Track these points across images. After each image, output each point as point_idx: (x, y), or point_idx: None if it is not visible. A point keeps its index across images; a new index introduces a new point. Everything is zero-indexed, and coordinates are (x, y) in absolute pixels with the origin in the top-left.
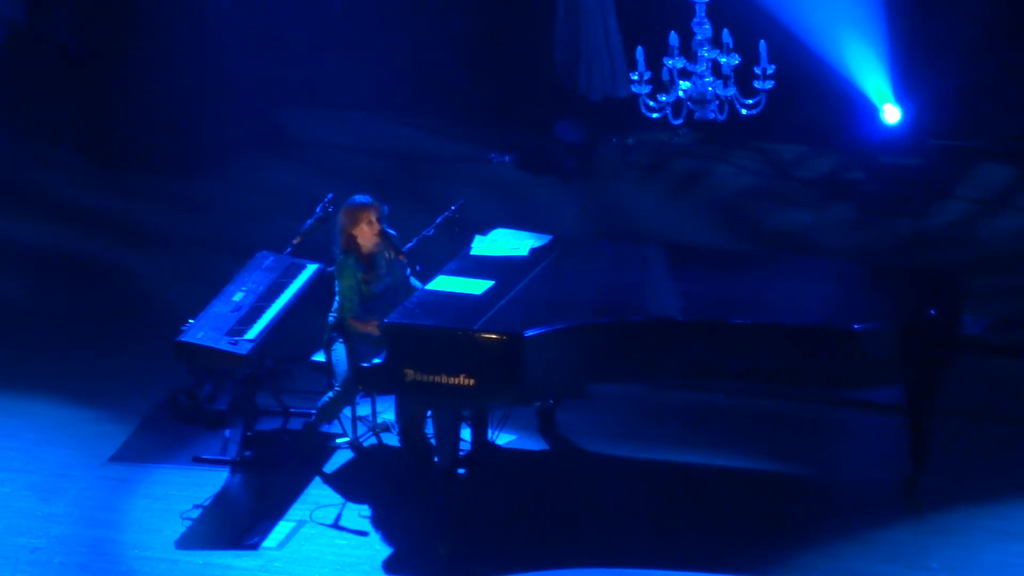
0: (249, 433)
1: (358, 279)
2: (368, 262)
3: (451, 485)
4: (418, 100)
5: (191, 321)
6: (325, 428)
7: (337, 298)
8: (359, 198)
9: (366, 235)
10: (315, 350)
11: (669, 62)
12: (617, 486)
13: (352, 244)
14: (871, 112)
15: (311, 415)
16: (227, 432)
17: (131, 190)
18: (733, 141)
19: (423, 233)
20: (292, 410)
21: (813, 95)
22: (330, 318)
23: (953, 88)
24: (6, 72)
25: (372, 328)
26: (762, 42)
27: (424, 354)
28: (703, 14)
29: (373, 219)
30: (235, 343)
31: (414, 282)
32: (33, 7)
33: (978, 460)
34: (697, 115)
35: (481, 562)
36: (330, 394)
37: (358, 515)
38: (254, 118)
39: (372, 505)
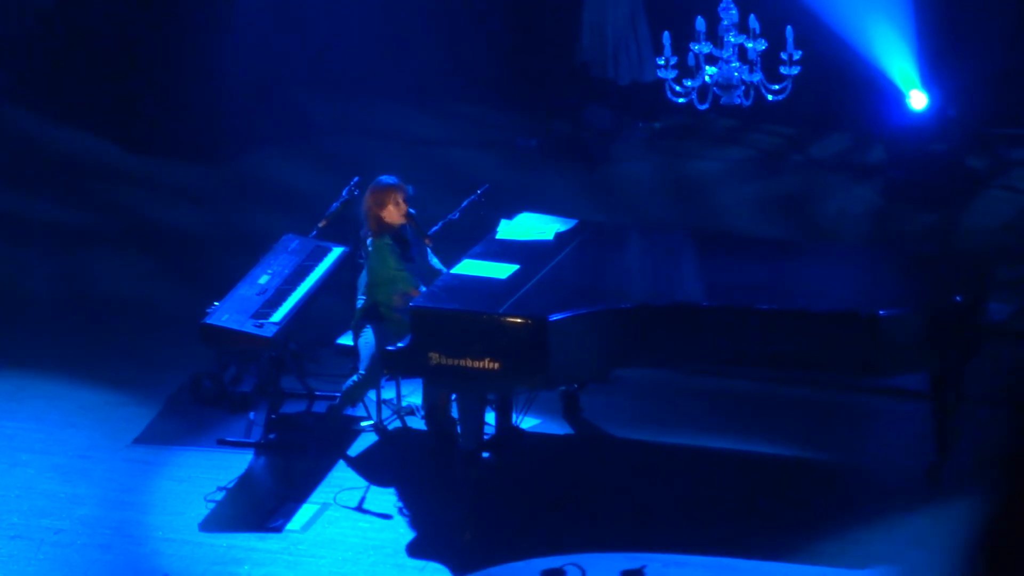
0: (273, 416)
1: (398, 254)
2: (403, 242)
3: (475, 469)
4: (443, 86)
5: (216, 304)
6: (350, 411)
7: (363, 280)
8: (385, 179)
9: (393, 216)
10: (340, 333)
11: (695, 47)
12: (640, 471)
13: (382, 226)
14: (898, 98)
15: (336, 398)
16: (251, 415)
17: (160, 176)
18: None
19: (448, 217)
20: (317, 393)
21: (840, 81)
22: (358, 303)
23: (980, 74)
24: (35, 59)
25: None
26: (788, 28)
27: (449, 338)
28: None
29: (400, 200)
30: (260, 326)
31: (438, 265)
32: None
33: (1000, 447)
34: (723, 100)
35: (504, 545)
36: (355, 377)
37: (382, 498)
38: (281, 106)
39: (396, 488)
